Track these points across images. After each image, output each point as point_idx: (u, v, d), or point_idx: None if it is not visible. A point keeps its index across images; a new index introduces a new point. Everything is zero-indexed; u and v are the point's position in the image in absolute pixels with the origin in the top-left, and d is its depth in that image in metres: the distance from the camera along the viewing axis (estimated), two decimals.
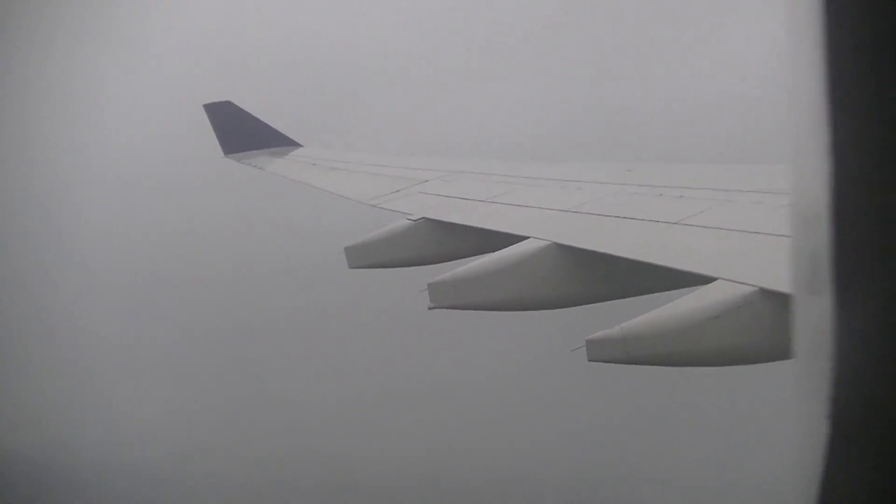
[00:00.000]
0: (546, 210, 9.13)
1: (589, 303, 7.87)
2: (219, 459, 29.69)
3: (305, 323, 37.26)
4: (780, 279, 5.66)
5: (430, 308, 8.05)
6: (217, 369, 34.26)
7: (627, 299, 7.73)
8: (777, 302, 5.51)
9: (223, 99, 17.55)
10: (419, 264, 10.13)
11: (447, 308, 8.02)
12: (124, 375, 33.84)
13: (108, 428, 30.70)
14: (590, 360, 5.89)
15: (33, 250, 35.20)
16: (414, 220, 10.20)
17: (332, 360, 34.81)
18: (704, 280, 6.09)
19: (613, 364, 5.88)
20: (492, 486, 27.16)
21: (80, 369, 33.20)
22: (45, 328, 34.23)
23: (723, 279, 5.91)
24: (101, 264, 36.73)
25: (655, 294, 7.27)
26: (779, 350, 5.66)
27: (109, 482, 28.79)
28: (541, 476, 26.74)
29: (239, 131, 17.24)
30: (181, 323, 36.05)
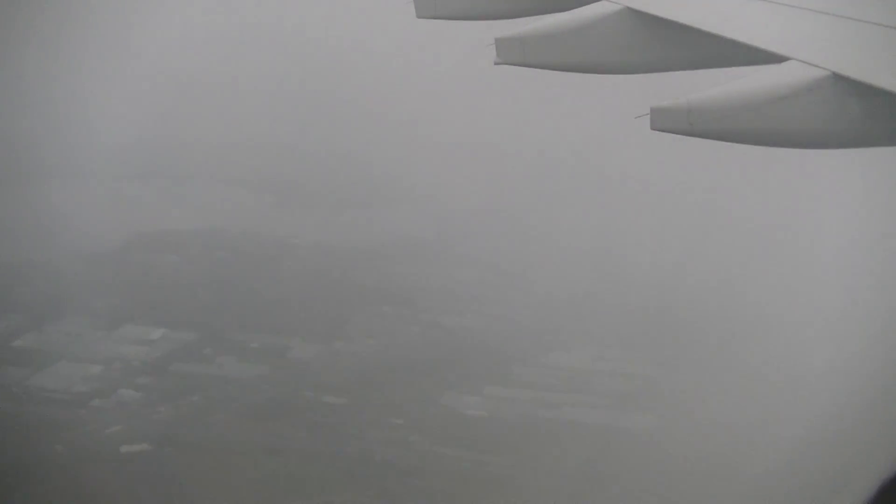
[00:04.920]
0: None
1: (656, 71, 7.81)
2: None
3: None
4: (856, 66, 5.58)
5: (495, 64, 8.03)
6: None
7: (695, 71, 7.67)
8: (849, 89, 5.47)
9: None
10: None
11: (513, 65, 8.00)
12: None
13: None
14: (653, 129, 5.96)
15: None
16: None
17: None
18: (776, 59, 6.02)
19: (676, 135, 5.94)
20: None
21: None
22: None
23: (796, 60, 5.84)
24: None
25: (724, 68, 7.21)
26: (844, 138, 5.68)
27: None
28: None
29: None
30: None
